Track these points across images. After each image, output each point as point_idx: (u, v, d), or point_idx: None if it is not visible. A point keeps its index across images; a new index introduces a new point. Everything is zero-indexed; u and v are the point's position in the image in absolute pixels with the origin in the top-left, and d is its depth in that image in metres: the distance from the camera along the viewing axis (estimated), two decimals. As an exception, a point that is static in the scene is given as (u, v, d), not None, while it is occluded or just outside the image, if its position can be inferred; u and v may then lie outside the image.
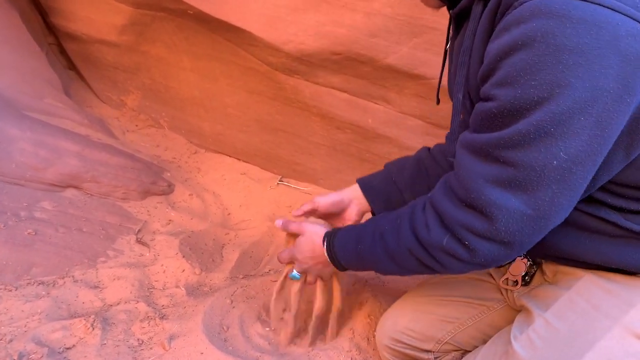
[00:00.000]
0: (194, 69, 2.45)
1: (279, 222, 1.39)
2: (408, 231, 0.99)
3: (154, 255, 1.96)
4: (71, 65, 2.94)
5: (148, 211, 2.21)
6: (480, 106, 0.86)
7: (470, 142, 0.88)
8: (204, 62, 2.39)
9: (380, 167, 2.34)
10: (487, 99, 0.84)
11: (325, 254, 1.23)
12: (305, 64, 2.05)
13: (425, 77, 1.86)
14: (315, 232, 1.29)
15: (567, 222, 0.87)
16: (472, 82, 0.95)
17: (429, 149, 1.50)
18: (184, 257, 1.93)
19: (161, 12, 2.23)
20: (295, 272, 1.38)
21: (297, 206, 2.38)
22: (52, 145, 2.13)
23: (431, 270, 1.00)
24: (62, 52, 2.95)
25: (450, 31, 1.18)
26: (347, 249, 1.18)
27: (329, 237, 1.23)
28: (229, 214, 2.31)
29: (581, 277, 1.00)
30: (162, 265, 1.90)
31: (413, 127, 2.08)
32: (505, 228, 0.85)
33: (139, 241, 2.02)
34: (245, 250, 2.06)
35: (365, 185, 1.46)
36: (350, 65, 1.99)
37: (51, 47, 2.93)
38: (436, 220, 0.94)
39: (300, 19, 1.93)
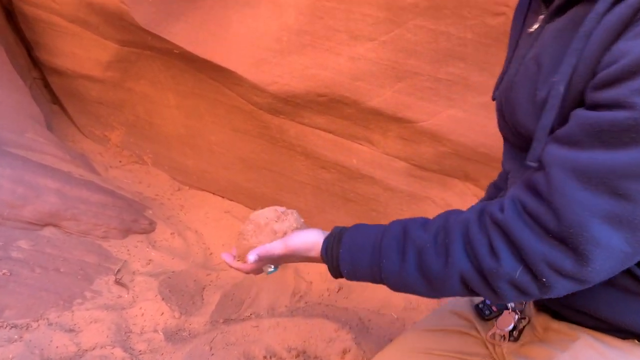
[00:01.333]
0: (179, 106, 2.44)
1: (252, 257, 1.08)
2: (461, 254, 0.83)
3: (133, 297, 1.91)
4: (55, 100, 2.93)
5: (128, 250, 2.17)
6: (595, 115, 0.68)
7: (576, 163, 0.70)
8: (189, 99, 2.39)
9: (365, 207, 2.34)
10: (613, 105, 0.66)
11: (322, 256, 1.02)
12: (291, 104, 2.05)
13: (410, 121, 1.87)
14: (312, 232, 1.07)
15: None
16: (578, 77, 0.76)
17: None
18: (163, 299, 1.89)
19: (147, 50, 2.23)
20: (272, 267, 1.13)
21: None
22: (32, 182, 2.09)
23: (473, 295, 0.86)
24: (47, 86, 2.93)
25: (540, 13, 0.93)
26: (357, 259, 0.96)
27: (332, 239, 1.01)
28: (211, 253, 2.27)
29: (576, 338, 0.96)
30: (140, 308, 1.85)
31: (398, 168, 2.08)
32: (600, 268, 0.73)
33: (118, 282, 1.97)
34: (227, 293, 2.02)
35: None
36: (335, 106, 2.00)
37: (35, 82, 2.92)
38: (507, 248, 0.79)
39: (285, 61, 1.94)
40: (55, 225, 2.11)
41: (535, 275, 0.77)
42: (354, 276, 0.99)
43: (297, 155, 2.26)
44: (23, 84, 2.62)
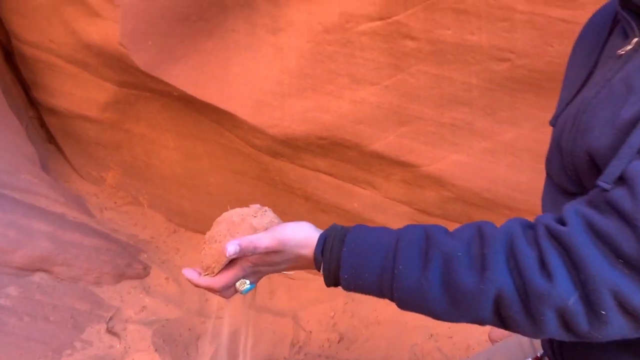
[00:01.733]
0: (178, 147, 2.41)
1: (232, 248, 0.83)
2: (503, 268, 0.69)
3: (125, 347, 1.83)
4: (51, 139, 2.89)
5: (121, 296, 2.10)
6: None
7: None
8: (187, 141, 2.35)
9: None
10: None
11: (315, 255, 0.82)
12: (291, 147, 2.02)
13: (413, 165, 1.84)
14: (303, 224, 0.87)
15: None
16: None
17: None
18: (156, 350, 1.81)
19: (146, 92, 2.21)
20: (247, 284, 0.87)
21: (279, 292, 2.30)
22: (24, 225, 2.03)
23: (499, 324, 0.73)
24: (43, 125, 2.90)
25: (635, 35, 0.84)
26: (364, 263, 0.79)
27: (333, 235, 0.81)
28: (207, 300, 2.20)
29: None
30: (132, 359, 1.77)
31: (400, 213, 2.03)
32: None
33: (110, 331, 1.90)
34: (222, 343, 1.94)
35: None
36: (336, 149, 1.97)
37: (32, 121, 2.89)
38: (564, 267, 0.67)
39: (286, 104, 1.92)
40: (46, 271, 2.04)
41: (592, 306, 0.65)
42: (354, 284, 0.81)
43: (297, 198, 2.22)
44: (19, 123, 2.59)
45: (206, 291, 2.40)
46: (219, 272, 0.84)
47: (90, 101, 2.43)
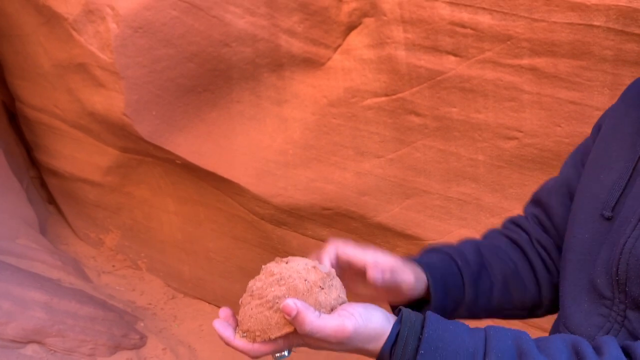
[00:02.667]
0: (178, 212, 2.37)
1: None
2: None
3: None
4: (51, 200, 2.86)
5: (116, 369, 2.02)
6: None
7: None
8: (188, 206, 2.32)
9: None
10: None
11: (381, 355, 0.69)
12: (294, 216, 1.99)
13: (419, 238, 1.80)
14: (376, 314, 0.70)
15: None
16: None
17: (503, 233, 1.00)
18: None
19: (148, 157, 2.20)
20: (285, 352, 0.75)
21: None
22: (18, 296, 1.97)
23: None
24: (43, 185, 2.88)
25: None
26: None
27: (406, 330, 0.69)
28: (205, 373, 2.12)
29: None
30: None
31: (405, 284, 1.98)
32: None
33: (102, 410, 1.81)
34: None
35: (423, 259, 0.89)
36: (340, 220, 1.93)
37: (33, 181, 2.87)
38: None
39: (289, 174, 1.90)
40: (39, 342, 1.97)
41: None
42: None
43: (300, 266, 2.17)
44: (19, 185, 2.56)
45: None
46: (261, 341, 0.70)
47: (92, 165, 2.42)
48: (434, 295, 0.82)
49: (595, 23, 1.28)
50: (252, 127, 1.91)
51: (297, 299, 0.68)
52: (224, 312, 0.75)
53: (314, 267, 0.72)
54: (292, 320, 0.66)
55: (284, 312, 0.66)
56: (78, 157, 2.45)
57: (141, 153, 2.19)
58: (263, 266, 0.77)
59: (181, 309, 2.43)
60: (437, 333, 0.68)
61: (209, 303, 2.46)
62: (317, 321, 0.66)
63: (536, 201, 0.98)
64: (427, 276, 0.83)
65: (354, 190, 1.84)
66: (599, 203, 0.81)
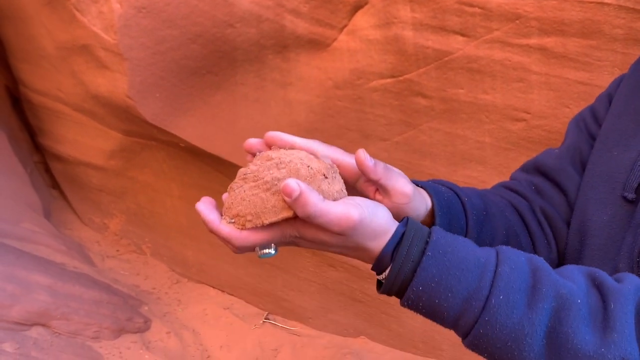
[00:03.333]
0: (182, 197, 2.37)
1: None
2: (631, 333, 0.57)
3: (122, 409, 1.75)
4: (55, 184, 2.86)
5: (120, 352, 2.02)
6: None
7: None
8: (193, 190, 2.31)
9: (375, 310, 2.20)
10: None
11: (382, 252, 0.62)
12: (298, 200, 1.98)
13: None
14: (382, 209, 0.64)
15: None
16: None
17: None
18: (155, 413, 1.73)
19: (152, 141, 2.19)
20: (272, 249, 0.64)
21: (283, 350, 2.21)
22: (22, 279, 1.98)
23: None
24: (48, 170, 2.88)
25: None
26: (451, 279, 0.60)
27: (413, 232, 0.62)
28: (208, 356, 2.12)
29: None
30: None
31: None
32: None
33: (107, 392, 1.81)
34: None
35: (428, 183, 0.80)
36: (345, 204, 1.92)
37: (37, 166, 2.87)
38: None
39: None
40: (43, 325, 1.97)
41: None
42: (425, 300, 0.60)
43: (304, 251, 2.16)
44: (23, 170, 2.56)
45: (207, 347, 2.29)
46: (251, 228, 0.61)
47: (95, 149, 2.41)
48: (439, 219, 0.73)
49: (606, 1, 1.26)
50: (257, 110, 1.89)
51: (296, 178, 0.60)
52: (207, 199, 0.66)
53: (316, 157, 0.65)
54: (293, 202, 0.57)
55: (284, 193, 0.58)
56: (82, 141, 2.45)
57: (145, 137, 2.18)
58: (253, 157, 0.68)
59: (185, 294, 2.43)
60: (446, 239, 0.62)
61: (213, 287, 2.45)
62: (321, 204, 0.58)
63: (535, 168, 0.88)
64: (432, 199, 0.73)
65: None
66: (616, 183, 0.75)
